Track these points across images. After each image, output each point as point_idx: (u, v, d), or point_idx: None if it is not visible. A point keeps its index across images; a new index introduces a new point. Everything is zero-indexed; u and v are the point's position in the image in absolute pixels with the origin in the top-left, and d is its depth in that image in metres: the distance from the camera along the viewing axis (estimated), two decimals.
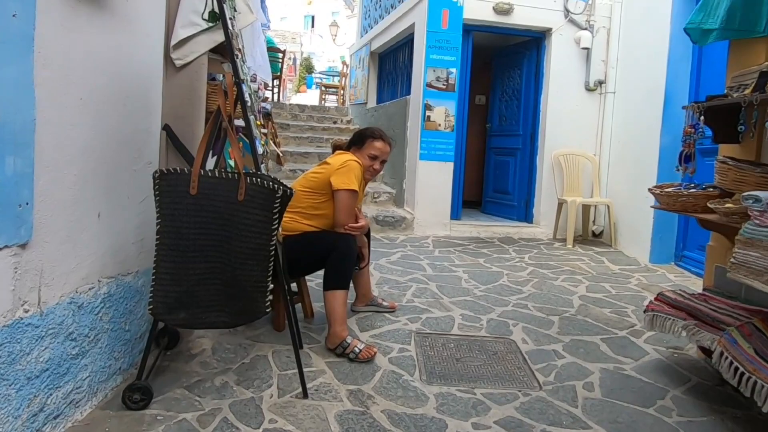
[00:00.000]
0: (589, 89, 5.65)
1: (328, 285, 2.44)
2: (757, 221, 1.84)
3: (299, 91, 11.66)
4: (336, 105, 10.01)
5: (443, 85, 5.39)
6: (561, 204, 5.47)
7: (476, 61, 6.76)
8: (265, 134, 5.40)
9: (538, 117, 5.81)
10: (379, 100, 7.46)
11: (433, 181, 5.42)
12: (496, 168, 6.44)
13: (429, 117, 5.40)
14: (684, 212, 2.42)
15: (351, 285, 2.69)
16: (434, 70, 5.35)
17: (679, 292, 2.68)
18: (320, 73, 12.00)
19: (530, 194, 5.91)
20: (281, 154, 6.07)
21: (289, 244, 2.44)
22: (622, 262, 4.61)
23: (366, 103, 7.76)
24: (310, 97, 12.44)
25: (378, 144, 2.67)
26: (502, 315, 3.06)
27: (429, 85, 5.36)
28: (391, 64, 7.04)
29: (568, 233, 5.21)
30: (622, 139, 5.27)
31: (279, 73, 8.97)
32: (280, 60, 8.94)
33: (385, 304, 3.01)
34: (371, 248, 3.01)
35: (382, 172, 6.58)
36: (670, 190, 2.57)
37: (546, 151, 5.67)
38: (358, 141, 2.71)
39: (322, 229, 2.55)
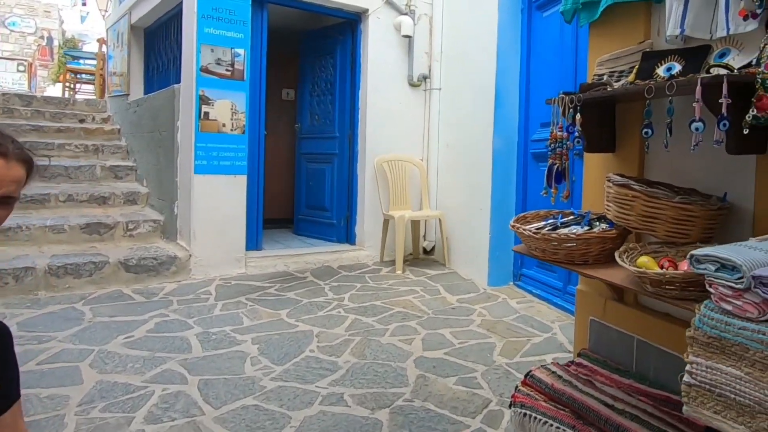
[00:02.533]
0: (412, 84, 4.90)
1: None
2: (730, 306, 1.00)
3: (60, 81, 9.17)
4: (93, 98, 7.85)
5: (227, 70, 4.13)
6: (387, 221, 4.62)
7: (283, 48, 5.65)
8: None
9: (356, 116, 4.90)
10: (149, 91, 5.86)
11: (217, 201, 4.10)
12: (309, 178, 5.39)
13: (207, 114, 4.08)
14: (569, 266, 1.57)
15: None
16: (212, 50, 4.06)
17: (554, 370, 1.88)
18: (70, 54, 9.43)
19: (352, 210, 4.97)
20: None
21: None
22: (460, 289, 3.89)
23: (128, 94, 6.04)
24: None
25: None
26: (302, 429, 1.96)
27: (205, 69, 4.05)
28: (161, 43, 5.48)
29: (397, 257, 4.37)
30: (452, 142, 4.61)
31: None
32: None
33: None
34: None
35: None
36: (539, 226, 1.72)
37: (368, 157, 4.78)
38: None
39: None
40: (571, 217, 1.73)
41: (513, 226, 1.75)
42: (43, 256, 3.71)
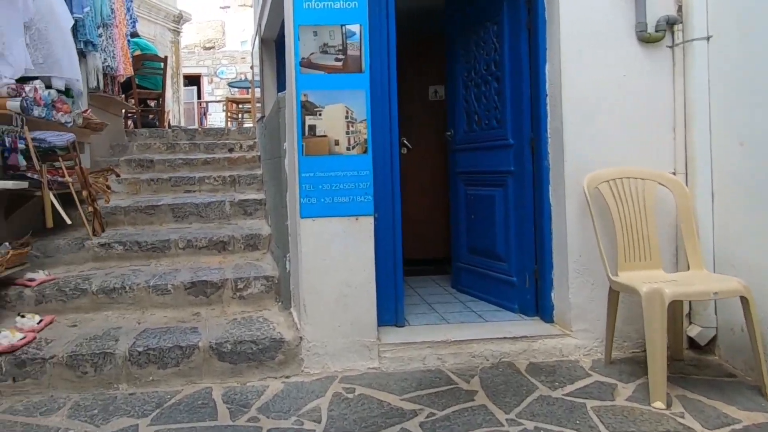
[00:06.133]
0: (647, 39, 2.46)
1: None
2: None
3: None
4: (251, 126, 6.97)
5: (337, 60, 2.30)
6: (616, 292, 2.25)
7: (424, 30, 3.67)
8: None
9: (542, 108, 2.61)
10: None
11: (333, 257, 2.33)
12: (470, 209, 3.23)
13: (313, 128, 2.31)
14: None
15: None
16: (316, 33, 2.28)
17: None
18: (229, 82, 8.93)
19: (543, 261, 2.67)
20: (97, 212, 3.28)
21: None
22: None
23: (264, 116, 4.67)
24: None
25: None
26: None
27: (307, 63, 2.30)
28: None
29: (654, 376, 1.97)
30: (745, 133, 2.09)
31: (161, 90, 6.05)
32: (162, 72, 6.01)
33: None
34: None
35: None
36: None
37: (569, 174, 2.47)
38: None
39: None
40: None
41: None
42: (134, 331, 2.47)
